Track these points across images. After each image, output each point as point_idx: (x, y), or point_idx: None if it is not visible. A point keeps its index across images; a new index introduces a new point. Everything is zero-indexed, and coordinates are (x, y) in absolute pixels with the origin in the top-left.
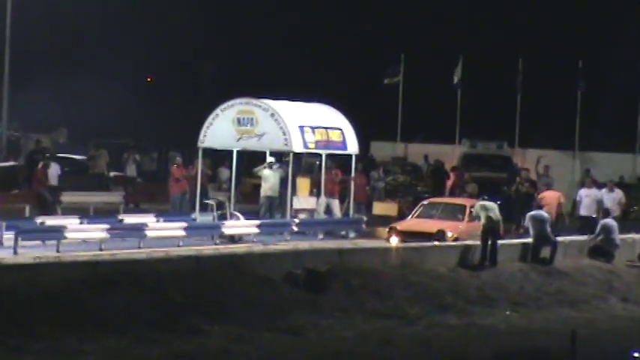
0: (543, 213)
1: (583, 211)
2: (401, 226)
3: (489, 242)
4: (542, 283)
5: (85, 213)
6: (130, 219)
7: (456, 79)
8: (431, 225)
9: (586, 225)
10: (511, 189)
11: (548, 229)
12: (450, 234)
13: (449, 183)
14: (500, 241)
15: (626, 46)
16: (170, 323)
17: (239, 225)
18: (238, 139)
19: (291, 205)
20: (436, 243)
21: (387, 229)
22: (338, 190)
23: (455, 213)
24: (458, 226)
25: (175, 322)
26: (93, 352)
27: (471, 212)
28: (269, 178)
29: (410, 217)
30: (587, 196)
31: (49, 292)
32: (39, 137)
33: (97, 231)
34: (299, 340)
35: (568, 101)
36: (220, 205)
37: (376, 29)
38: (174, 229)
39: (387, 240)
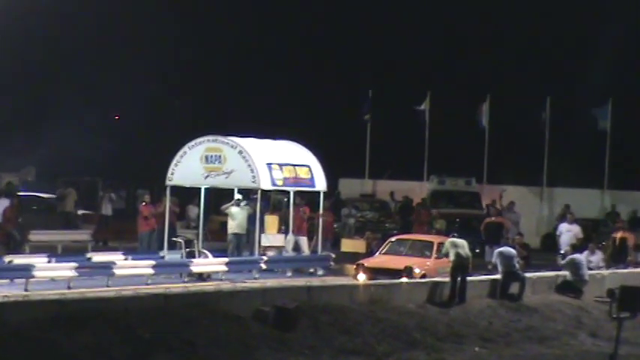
0: (511, 249)
1: (563, 247)
2: (369, 262)
3: (459, 279)
4: (511, 319)
5: (53, 251)
6: (98, 257)
7: (425, 116)
8: (399, 262)
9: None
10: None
11: (517, 265)
12: (417, 271)
13: (414, 219)
14: (468, 278)
15: (594, 81)
16: None
17: (207, 263)
18: (206, 177)
19: (259, 243)
20: (404, 280)
21: (355, 266)
22: (306, 227)
23: (423, 250)
24: (426, 262)
25: None
26: None
27: (439, 249)
28: (237, 215)
29: (378, 253)
30: (568, 232)
31: (17, 331)
32: (10, 178)
33: (66, 269)
34: None
35: (536, 137)
36: (189, 243)
37: (344, 66)
38: (143, 267)
39: (355, 277)
